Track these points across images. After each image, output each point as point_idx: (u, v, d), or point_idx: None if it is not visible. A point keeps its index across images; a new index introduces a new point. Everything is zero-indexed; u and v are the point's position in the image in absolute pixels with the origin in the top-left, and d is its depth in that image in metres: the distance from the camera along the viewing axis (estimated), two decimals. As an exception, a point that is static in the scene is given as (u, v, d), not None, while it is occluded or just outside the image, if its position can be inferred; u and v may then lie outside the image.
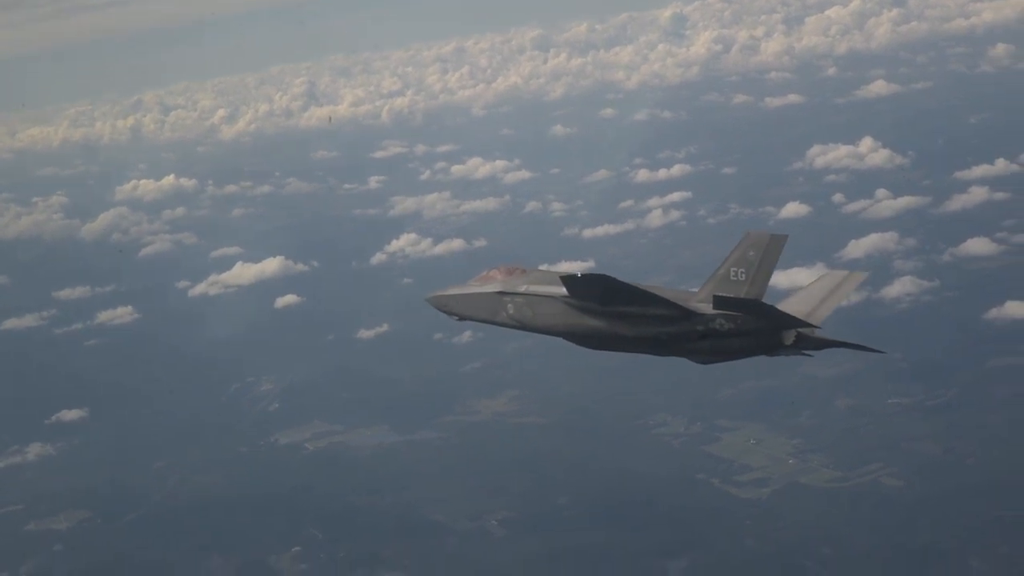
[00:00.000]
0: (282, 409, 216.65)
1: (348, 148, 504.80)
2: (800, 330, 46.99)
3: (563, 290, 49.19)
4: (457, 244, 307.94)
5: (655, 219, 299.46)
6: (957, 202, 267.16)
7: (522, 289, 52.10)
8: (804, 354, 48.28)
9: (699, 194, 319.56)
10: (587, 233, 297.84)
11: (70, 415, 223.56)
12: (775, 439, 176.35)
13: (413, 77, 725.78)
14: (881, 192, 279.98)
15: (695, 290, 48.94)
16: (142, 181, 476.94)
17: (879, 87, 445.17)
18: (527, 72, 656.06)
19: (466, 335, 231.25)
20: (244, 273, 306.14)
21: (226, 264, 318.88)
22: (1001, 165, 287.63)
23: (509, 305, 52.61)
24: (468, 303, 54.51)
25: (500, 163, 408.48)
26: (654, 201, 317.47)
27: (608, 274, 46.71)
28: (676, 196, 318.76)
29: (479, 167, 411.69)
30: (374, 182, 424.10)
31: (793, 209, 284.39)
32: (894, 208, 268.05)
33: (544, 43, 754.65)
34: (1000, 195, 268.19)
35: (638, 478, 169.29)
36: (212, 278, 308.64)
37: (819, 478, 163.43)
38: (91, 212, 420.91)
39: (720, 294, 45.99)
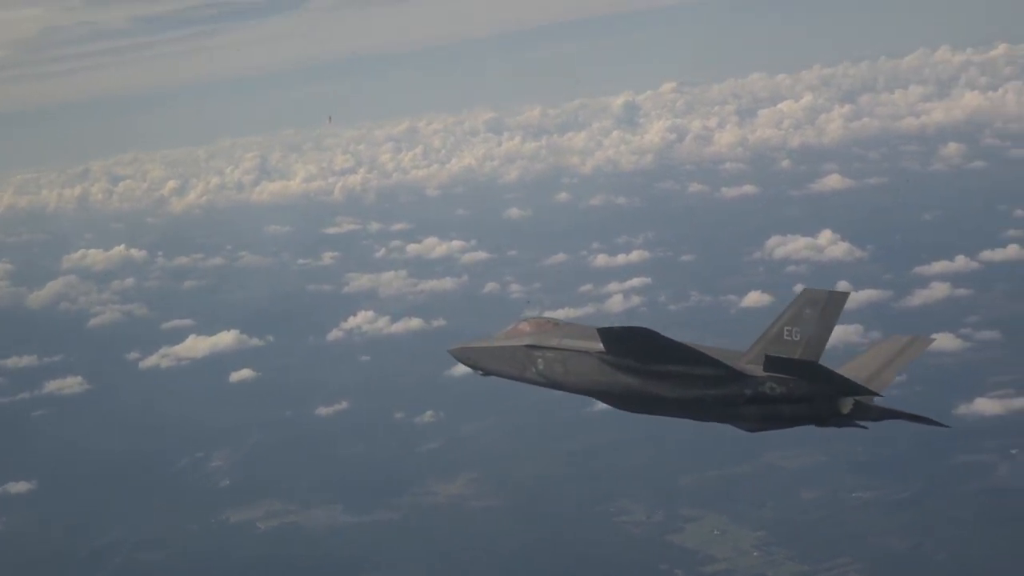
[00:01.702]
0: (233, 486, 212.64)
1: (301, 223, 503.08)
2: (859, 398, 43.89)
3: (598, 345, 46.25)
4: (415, 323, 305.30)
5: (616, 304, 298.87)
6: (919, 297, 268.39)
7: (553, 343, 49.42)
8: (858, 425, 45.01)
9: (659, 280, 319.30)
10: (547, 316, 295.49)
11: (17, 487, 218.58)
12: (739, 530, 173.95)
13: (365, 155, 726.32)
14: (842, 284, 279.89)
15: (743, 351, 45.96)
16: (91, 251, 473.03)
17: (833, 181, 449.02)
18: (481, 154, 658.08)
19: (427, 415, 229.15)
20: (197, 346, 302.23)
21: (178, 336, 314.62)
22: (961, 262, 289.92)
23: (539, 360, 49.80)
24: (494, 357, 52.04)
25: (456, 243, 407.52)
26: (614, 286, 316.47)
27: (650, 328, 43.78)
28: (636, 282, 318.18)
29: (435, 246, 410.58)
30: (328, 258, 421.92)
31: (755, 298, 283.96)
32: (856, 301, 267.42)
33: (497, 126, 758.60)
34: (962, 291, 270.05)
35: (600, 566, 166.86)
36: (164, 350, 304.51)
37: (785, 572, 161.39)
38: (38, 280, 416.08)
39: (773, 354, 42.89)
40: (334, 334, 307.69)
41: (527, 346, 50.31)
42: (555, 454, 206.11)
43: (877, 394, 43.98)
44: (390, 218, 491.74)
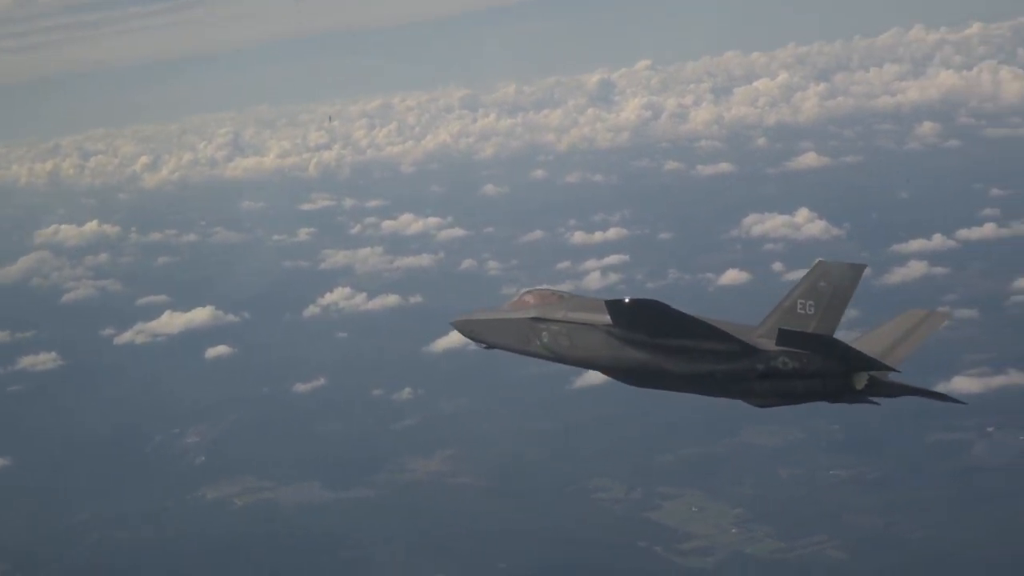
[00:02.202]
0: (209, 462, 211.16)
1: (275, 199, 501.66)
2: (873, 374, 42.30)
3: (606, 318, 44.51)
4: (392, 300, 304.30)
5: (593, 281, 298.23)
6: (897, 275, 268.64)
7: (559, 316, 47.48)
8: (871, 402, 43.35)
9: (636, 258, 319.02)
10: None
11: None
12: (717, 507, 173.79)
13: (340, 131, 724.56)
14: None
15: (754, 324, 44.54)
16: (63, 226, 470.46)
17: (810, 159, 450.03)
18: (456, 131, 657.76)
19: (405, 392, 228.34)
20: (173, 322, 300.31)
21: (153, 312, 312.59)
22: (938, 240, 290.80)
23: (544, 333, 47.92)
24: (497, 330, 50.04)
25: (432, 220, 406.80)
26: (591, 263, 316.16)
27: (660, 301, 42.01)
28: (613, 259, 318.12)
29: (411, 223, 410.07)
30: (303, 234, 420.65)
31: (733, 276, 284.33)
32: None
33: (472, 103, 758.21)
34: (939, 270, 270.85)
35: (579, 544, 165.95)
36: (139, 326, 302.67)
37: (763, 548, 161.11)
38: (9, 256, 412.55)
39: (786, 328, 41.44)
40: (311, 310, 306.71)
41: (532, 318, 48.46)
42: (533, 432, 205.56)
43: (894, 369, 42.71)
44: (365, 194, 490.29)
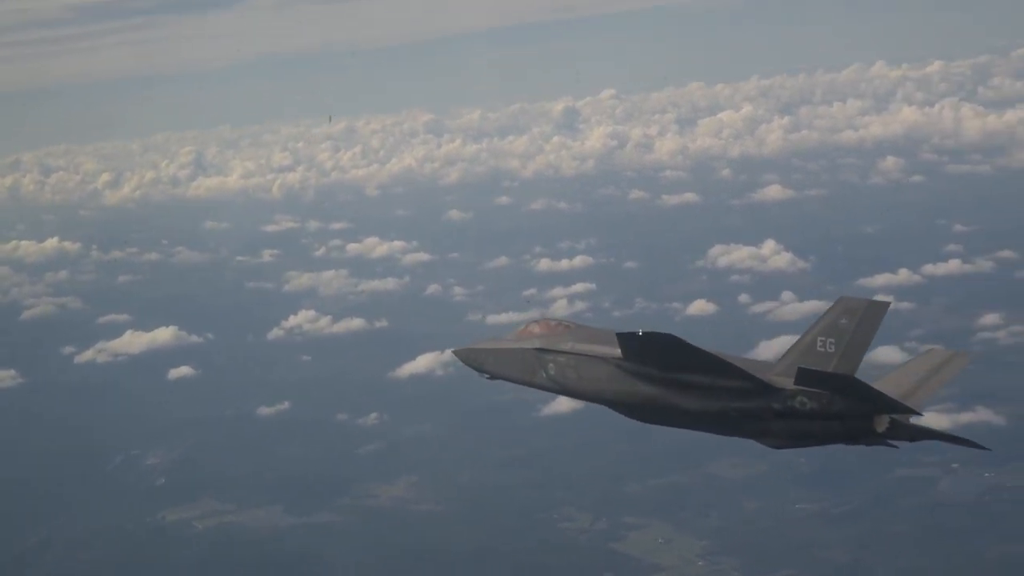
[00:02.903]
0: (170, 484, 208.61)
1: (239, 220, 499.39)
2: (894, 416, 41.63)
3: (615, 351, 43.69)
4: (357, 323, 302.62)
5: (560, 309, 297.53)
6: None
7: (566, 348, 46.81)
8: (890, 445, 43.07)
9: (603, 286, 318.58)
10: (491, 319, 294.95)
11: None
12: (683, 539, 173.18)
13: (304, 153, 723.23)
14: (787, 295, 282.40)
15: (772, 361, 43.79)
16: (23, 242, 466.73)
17: (774, 191, 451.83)
18: (421, 155, 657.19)
19: (371, 417, 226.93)
20: (135, 341, 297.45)
21: (115, 331, 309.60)
22: (904, 275, 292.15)
23: (550, 365, 47.14)
24: (502, 360, 49.37)
25: (398, 244, 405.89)
26: (558, 291, 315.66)
27: (674, 335, 41.23)
28: (580, 287, 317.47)
29: (376, 246, 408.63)
30: (267, 255, 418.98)
31: (700, 307, 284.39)
32: (801, 311, 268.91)
33: (437, 128, 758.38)
34: (905, 304, 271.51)
35: (544, 573, 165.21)
36: (100, 345, 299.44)
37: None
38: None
39: (805, 367, 40.45)
40: (275, 332, 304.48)
41: (537, 349, 47.76)
42: (499, 459, 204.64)
43: (918, 412, 41.91)
44: (329, 217, 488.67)
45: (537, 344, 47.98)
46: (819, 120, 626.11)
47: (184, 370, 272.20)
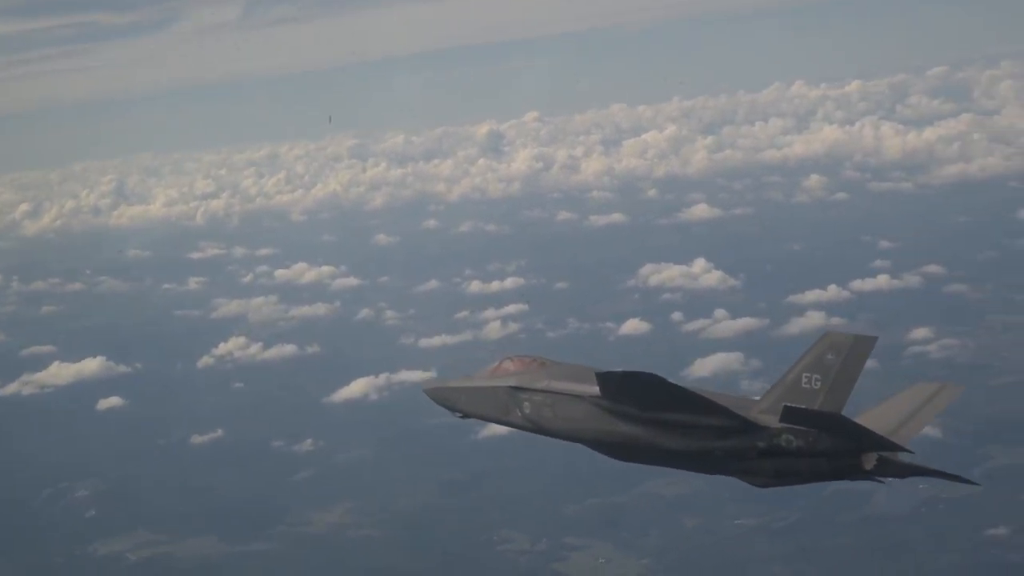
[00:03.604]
0: (100, 516, 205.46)
1: (163, 248, 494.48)
2: (883, 454, 40.67)
3: (593, 389, 42.65)
4: (289, 349, 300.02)
5: (493, 331, 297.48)
6: (796, 325, 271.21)
7: (541, 385, 45.65)
8: (878, 480, 42.05)
9: (535, 307, 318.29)
10: (424, 343, 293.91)
11: None
12: (624, 559, 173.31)
13: (227, 180, 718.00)
14: (720, 312, 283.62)
15: (756, 398, 42.80)
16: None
17: (701, 211, 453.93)
18: (346, 180, 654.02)
19: (307, 443, 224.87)
20: (61, 373, 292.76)
21: (40, 363, 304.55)
22: (833, 291, 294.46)
23: (525, 404, 45.89)
24: (474, 398, 47.86)
25: (326, 269, 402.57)
26: (490, 313, 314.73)
27: (655, 373, 40.26)
28: (512, 308, 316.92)
29: (304, 272, 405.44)
30: (194, 283, 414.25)
31: (633, 326, 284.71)
32: (734, 329, 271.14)
33: (361, 152, 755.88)
34: (836, 320, 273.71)
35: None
36: (25, 377, 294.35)
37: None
38: None
39: (791, 404, 39.48)
40: (204, 360, 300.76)
41: (512, 387, 46.52)
42: (436, 483, 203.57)
43: (908, 451, 40.91)
44: (255, 243, 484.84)
45: (512, 382, 46.76)
46: (742, 140, 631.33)
47: (113, 400, 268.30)
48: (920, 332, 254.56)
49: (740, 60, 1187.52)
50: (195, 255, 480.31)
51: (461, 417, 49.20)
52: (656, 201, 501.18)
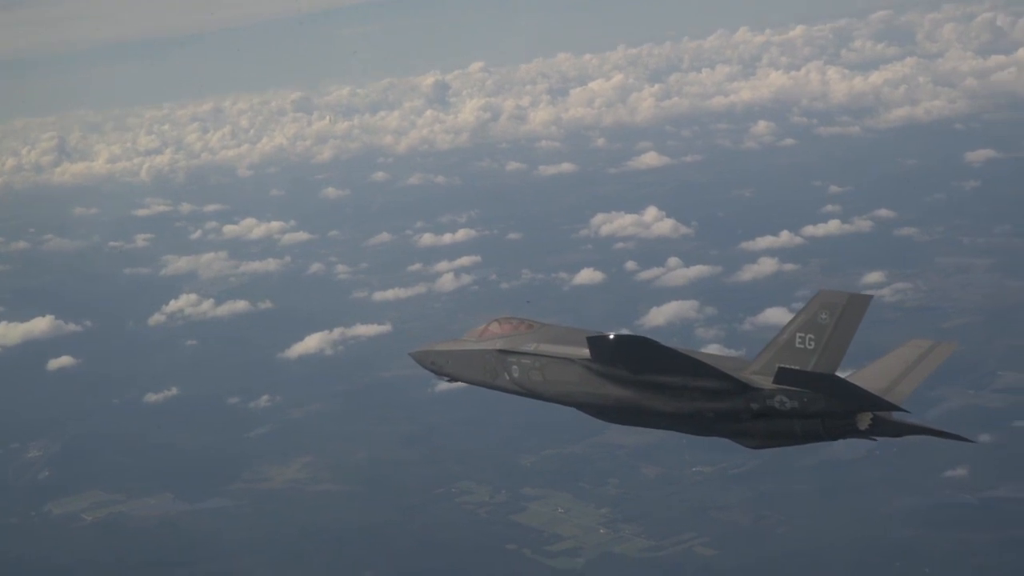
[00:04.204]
0: (55, 477, 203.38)
1: (108, 205, 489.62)
2: (878, 412, 39.88)
3: (583, 351, 42.10)
4: (241, 305, 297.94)
5: (447, 283, 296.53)
6: (749, 272, 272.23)
7: (530, 348, 44.83)
8: (872, 439, 41.26)
9: (488, 259, 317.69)
10: (377, 296, 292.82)
11: None
12: (584, 508, 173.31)
13: (171, 136, 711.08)
14: (673, 260, 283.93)
15: (748, 359, 42.13)
16: None
17: (650, 159, 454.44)
18: (292, 133, 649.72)
19: (263, 399, 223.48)
20: (9, 333, 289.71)
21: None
22: (786, 237, 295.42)
23: (514, 367, 45.16)
24: (461, 362, 47.08)
25: (275, 224, 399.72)
26: (443, 265, 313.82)
27: (648, 337, 39.75)
28: (465, 260, 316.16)
29: (253, 227, 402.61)
30: (141, 240, 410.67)
31: (587, 276, 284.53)
32: (687, 277, 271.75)
33: (306, 106, 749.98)
34: (789, 266, 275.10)
35: (446, 549, 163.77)
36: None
37: (632, 547, 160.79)
38: None
39: (785, 366, 38.95)
40: (156, 318, 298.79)
41: (499, 351, 45.80)
42: (394, 436, 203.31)
43: (904, 410, 40.07)
44: (202, 199, 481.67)
45: (499, 345, 45.96)
46: (689, 87, 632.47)
47: (64, 360, 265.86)
48: (873, 276, 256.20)
49: (684, 7, 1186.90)
50: (141, 212, 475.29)
51: (448, 381, 48.55)
52: (605, 150, 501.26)
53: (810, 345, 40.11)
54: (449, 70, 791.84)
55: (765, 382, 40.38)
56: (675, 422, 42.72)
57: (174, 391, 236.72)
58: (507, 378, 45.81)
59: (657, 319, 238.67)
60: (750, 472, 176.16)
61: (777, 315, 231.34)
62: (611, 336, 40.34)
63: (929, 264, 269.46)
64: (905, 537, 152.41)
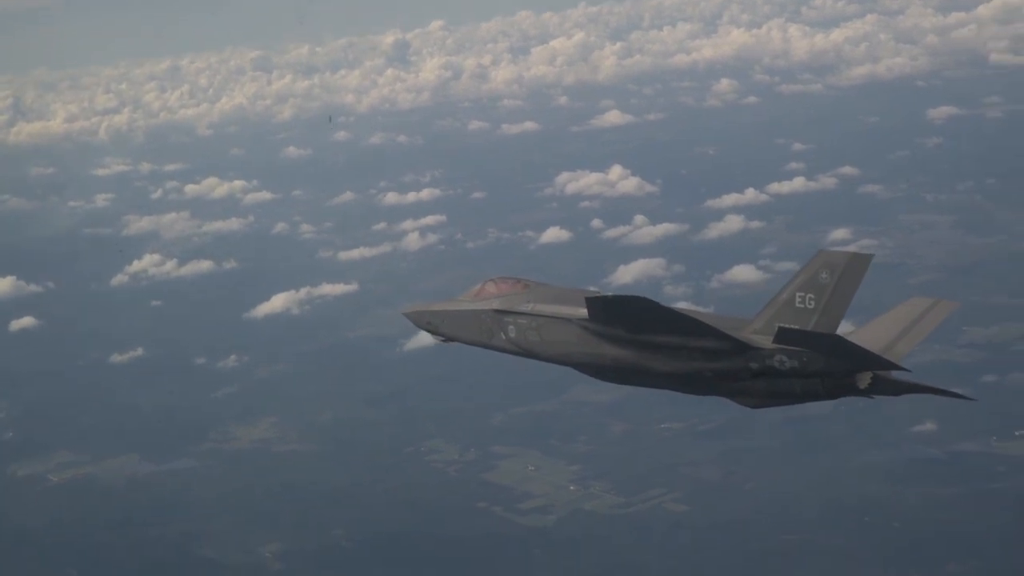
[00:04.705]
0: (19, 438, 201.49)
1: (67, 165, 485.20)
2: (878, 372, 39.80)
3: (580, 311, 41.91)
4: (206, 265, 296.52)
5: (413, 242, 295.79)
6: (715, 230, 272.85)
7: (526, 308, 44.56)
8: (871, 398, 41.20)
9: (453, 218, 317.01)
10: (343, 256, 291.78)
11: None
12: (553, 465, 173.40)
13: (128, 95, 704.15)
14: (639, 219, 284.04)
15: (748, 318, 41.75)
16: None
17: (613, 117, 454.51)
18: (251, 92, 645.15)
19: (230, 359, 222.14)
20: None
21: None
22: (751, 195, 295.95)
23: (510, 327, 44.90)
24: (456, 321, 46.74)
25: (238, 183, 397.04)
26: (408, 224, 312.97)
27: (646, 296, 39.55)
28: (430, 219, 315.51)
29: (216, 187, 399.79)
30: (102, 200, 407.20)
31: (554, 234, 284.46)
32: (654, 235, 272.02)
33: (265, 64, 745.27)
34: (756, 224, 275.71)
35: (416, 508, 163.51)
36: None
37: (603, 504, 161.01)
38: None
39: (785, 325, 38.71)
40: (119, 279, 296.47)
41: (495, 310, 45.51)
42: (362, 396, 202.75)
43: (905, 369, 39.90)
44: (162, 158, 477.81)
45: (495, 305, 45.65)
46: (651, 45, 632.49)
47: (26, 321, 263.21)
48: (839, 233, 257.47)
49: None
50: (101, 171, 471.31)
51: (443, 341, 48.13)
52: (567, 108, 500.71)
53: (810, 304, 39.87)
54: (409, 29, 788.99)
55: (764, 341, 40.13)
56: (673, 382, 42.49)
57: (139, 351, 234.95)
58: (503, 338, 45.51)
59: (625, 277, 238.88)
60: (719, 428, 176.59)
61: (744, 272, 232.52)
62: (610, 296, 40.31)
63: (893, 221, 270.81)
64: (874, 492, 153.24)
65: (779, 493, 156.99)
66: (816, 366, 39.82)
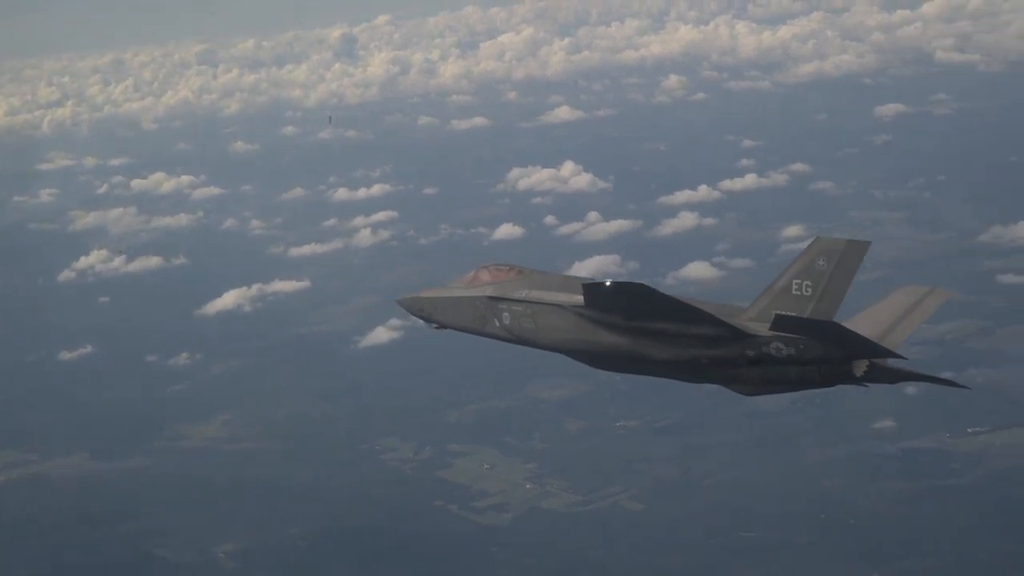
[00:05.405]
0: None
1: (9, 159, 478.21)
2: (874, 360, 39.58)
3: (575, 298, 41.80)
4: (154, 261, 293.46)
5: (364, 239, 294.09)
6: (669, 227, 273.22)
7: (520, 295, 44.35)
8: (865, 386, 41.03)
9: (405, 214, 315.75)
10: (294, 252, 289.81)
11: None
12: (509, 463, 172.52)
13: (72, 88, 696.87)
14: (593, 215, 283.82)
15: (744, 305, 41.69)
16: None
17: (563, 113, 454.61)
18: (197, 86, 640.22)
19: (181, 356, 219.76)
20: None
21: None
22: (704, 191, 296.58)
23: (504, 314, 44.62)
24: (450, 309, 46.41)
25: (185, 178, 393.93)
26: (359, 220, 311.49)
27: (644, 283, 39.31)
28: (382, 216, 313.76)
29: (163, 182, 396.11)
30: (46, 195, 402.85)
31: (507, 231, 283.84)
32: (607, 231, 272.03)
33: (210, 58, 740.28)
34: (709, 220, 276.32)
35: (372, 506, 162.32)
36: None
37: (559, 502, 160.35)
38: None
39: (782, 312, 38.70)
40: (66, 275, 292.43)
41: (489, 297, 45.26)
42: (315, 393, 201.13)
43: (901, 356, 39.62)
44: (107, 152, 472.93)
45: (489, 292, 45.42)
46: (599, 40, 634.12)
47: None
48: (792, 230, 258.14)
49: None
50: (45, 166, 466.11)
51: (436, 328, 47.71)
52: (517, 104, 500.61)
53: (807, 292, 39.83)
54: (356, 23, 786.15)
55: (761, 329, 40.00)
56: (669, 369, 42.36)
57: (88, 349, 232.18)
58: (497, 325, 45.19)
59: (580, 274, 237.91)
60: (675, 425, 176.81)
61: (699, 269, 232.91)
62: (608, 282, 39.85)
63: (844, 218, 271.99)
64: (831, 488, 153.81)
65: (737, 489, 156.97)
66: (813, 353, 39.63)
